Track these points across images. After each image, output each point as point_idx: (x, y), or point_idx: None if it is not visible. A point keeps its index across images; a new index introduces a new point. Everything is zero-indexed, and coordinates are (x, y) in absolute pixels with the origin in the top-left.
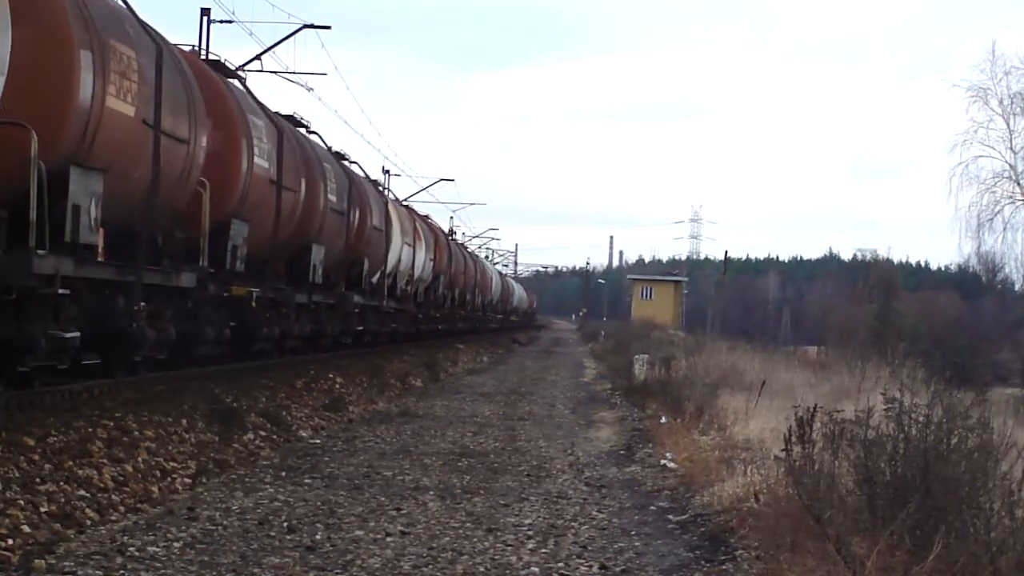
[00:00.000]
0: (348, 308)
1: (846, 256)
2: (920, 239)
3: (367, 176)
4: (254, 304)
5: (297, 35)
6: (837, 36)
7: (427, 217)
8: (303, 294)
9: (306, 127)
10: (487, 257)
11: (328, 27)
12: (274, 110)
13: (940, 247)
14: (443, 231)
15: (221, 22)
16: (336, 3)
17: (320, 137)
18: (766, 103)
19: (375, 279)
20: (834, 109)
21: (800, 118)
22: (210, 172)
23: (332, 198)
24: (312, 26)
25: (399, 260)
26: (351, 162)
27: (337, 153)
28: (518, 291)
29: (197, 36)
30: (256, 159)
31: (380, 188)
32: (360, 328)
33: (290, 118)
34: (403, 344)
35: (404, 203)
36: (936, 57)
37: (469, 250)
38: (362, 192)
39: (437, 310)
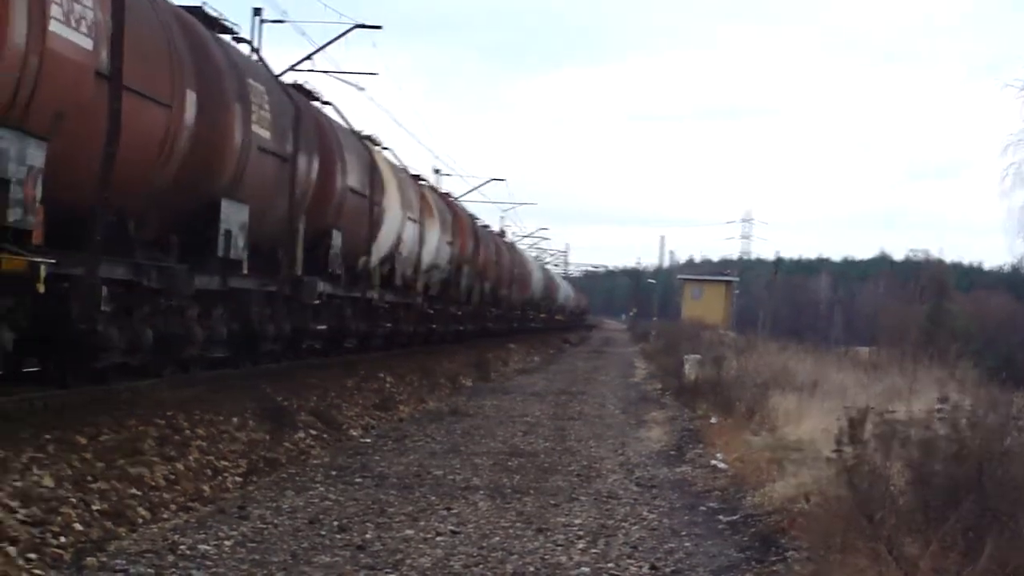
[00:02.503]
0: (304, 300)
1: (898, 256)
2: (974, 240)
3: (350, 127)
4: (41, 286)
5: (348, 35)
6: (895, 35)
7: (447, 195)
8: (211, 277)
9: (228, 29)
10: (536, 257)
11: (379, 27)
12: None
13: (994, 248)
14: (467, 212)
15: (272, 22)
16: (387, 3)
17: (256, 52)
18: (819, 103)
19: (360, 263)
20: (889, 109)
21: (854, 118)
22: None
23: (261, 132)
24: (363, 26)
25: (399, 240)
26: (323, 102)
27: (296, 85)
28: (564, 288)
29: (248, 35)
30: (55, 26)
31: (368, 142)
32: (322, 328)
33: (197, 10)
34: (412, 348)
35: (412, 172)
36: (997, 57)
37: (506, 239)
38: (326, 136)
39: (459, 307)
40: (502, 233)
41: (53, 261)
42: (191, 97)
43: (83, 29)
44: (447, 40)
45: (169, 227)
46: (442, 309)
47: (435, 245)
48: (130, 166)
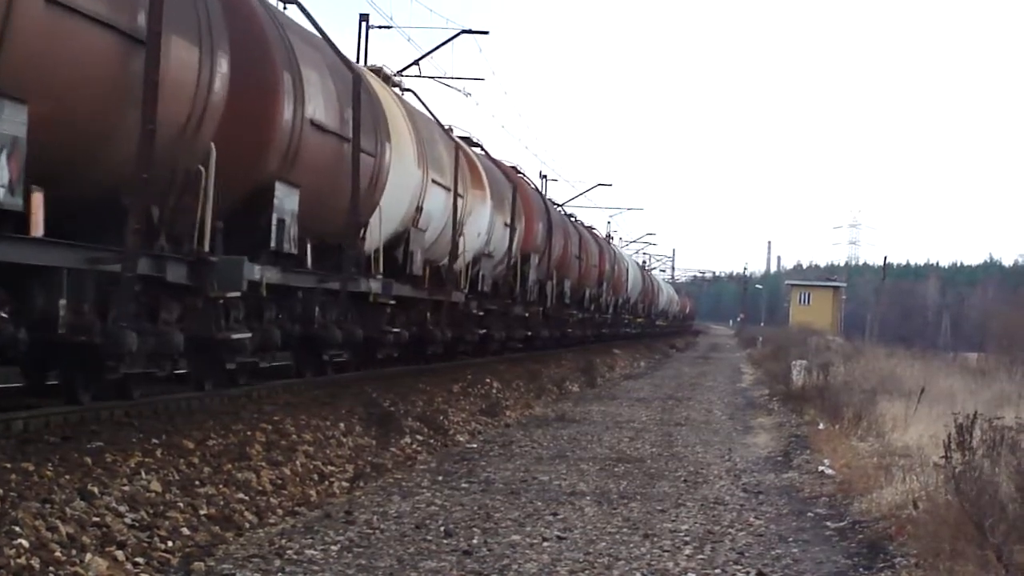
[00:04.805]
0: (207, 291)
1: (1007, 262)
2: None
3: (330, 42)
4: None
5: (455, 40)
6: (1007, 29)
7: (515, 168)
8: None
9: None
10: (644, 263)
11: (486, 32)
12: None
13: None
14: (538, 190)
15: (379, 27)
16: (494, 7)
17: None
18: (927, 105)
19: (346, 241)
20: (1000, 111)
21: (963, 120)
22: None
23: None
24: (470, 31)
25: (417, 211)
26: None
27: None
28: (667, 292)
29: (356, 41)
30: None
31: (366, 69)
32: (243, 336)
33: None
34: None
35: (462, 135)
36: None
37: (593, 230)
38: (255, 26)
39: (525, 307)
40: (608, 238)
41: None
42: None
43: None
44: (554, 45)
45: None
46: (501, 311)
47: (484, 226)
48: None
